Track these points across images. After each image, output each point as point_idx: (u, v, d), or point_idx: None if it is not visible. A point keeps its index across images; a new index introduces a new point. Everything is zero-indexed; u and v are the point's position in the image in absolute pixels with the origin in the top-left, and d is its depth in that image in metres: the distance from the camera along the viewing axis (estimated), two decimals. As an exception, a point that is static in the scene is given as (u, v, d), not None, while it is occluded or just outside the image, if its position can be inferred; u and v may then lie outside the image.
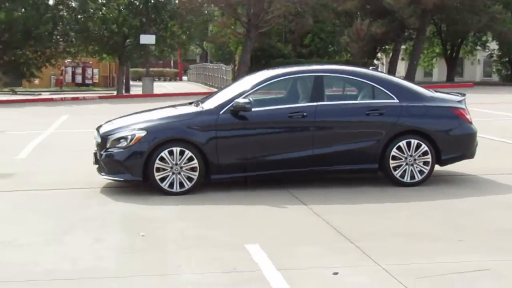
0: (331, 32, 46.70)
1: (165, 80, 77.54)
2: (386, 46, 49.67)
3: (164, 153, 10.32)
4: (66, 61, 56.39)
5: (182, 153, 10.35)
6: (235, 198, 10.13)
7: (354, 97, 11.27)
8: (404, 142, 10.73)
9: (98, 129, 11.18)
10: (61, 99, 38.18)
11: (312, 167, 10.78)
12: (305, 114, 10.62)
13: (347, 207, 9.57)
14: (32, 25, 36.73)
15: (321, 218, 8.89)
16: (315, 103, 10.75)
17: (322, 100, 10.82)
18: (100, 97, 39.25)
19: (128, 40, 41.24)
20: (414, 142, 10.74)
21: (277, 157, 10.65)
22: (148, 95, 38.47)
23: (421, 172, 10.81)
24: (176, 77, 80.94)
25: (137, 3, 41.50)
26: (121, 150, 10.43)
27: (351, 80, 11.27)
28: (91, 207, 9.70)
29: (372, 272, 6.65)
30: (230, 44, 46.67)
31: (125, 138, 10.46)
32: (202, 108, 10.89)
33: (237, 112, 10.51)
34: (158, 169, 10.35)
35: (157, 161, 10.31)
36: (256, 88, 10.92)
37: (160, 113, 11.17)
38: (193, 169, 10.39)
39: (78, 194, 10.61)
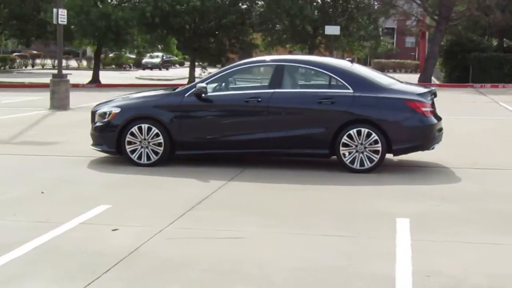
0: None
1: (404, 72, 77.05)
2: None
3: (134, 129, 11.79)
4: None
5: (150, 129, 11.74)
6: (184, 172, 11.35)
7: (312, 86, 12.04)
8: (354, 130, 11.33)
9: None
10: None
11: (265, 149, 11.72)
12: (259, 99, 11.58)
13: (266, 185, 10.41)
14: (222, 15, 39.38)
15: (215, 191, 9.92)
16: (271, 90, 11.67)
17: (280, 88, 11.68)
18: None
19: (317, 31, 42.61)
20: (365, 131, 11.30)
21: (234, 138, 11.74)
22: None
23: (371, 160, 11.34)
24: (417, 69, 79.40)
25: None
26: (102, 124, 12.06)
27: (310, 70, 12.06)
28: (56, 170, 11.47)
29: (141, 232, 7.65)
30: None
31: (105, 113, 12.06)
32: (174, 90, 12.22)
33: (200, 95, 11.71)
34: (129, 143, 11.85)
35: (128, 135, 11.82)
36: (220, 74, 12.09)
37: (141, 94, 12.67)
38: (159, 145, 11.78)
39: (69, 160, 12.39)
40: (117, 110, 11.90)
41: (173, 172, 11.25)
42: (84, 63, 77.12)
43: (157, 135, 11.70)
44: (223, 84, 12.08)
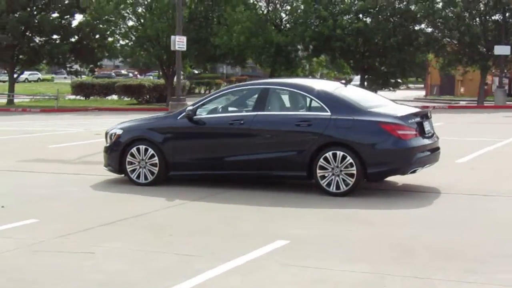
0: None
1: None
2: None
3: (133, 150, 12.53)
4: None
5: (146, 150, 12.45)
6: (165, 191, 11.87)
7: (293, 109, 12.11)
8: (330, 153, 11.33)
9: (114, 127, 13.79)
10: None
11: (248, 170, 12.00)
12: (242, 122, 11.92)
13: (218, 206, 10.74)
14: (387, 36, 39.27)
15: (158, 211, 10.46)
16: (254, 113, 11.97)
17: (262, 110, 11.94)
18: (450, 107, 40.10)
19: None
20: (340, 153, 11.27)
21: (220, 160, 12.14)
22: (497, 106, 38.22)
23: (346, 183, 11.29)
24: None
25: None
26: (108, 145, 12.96)
27: (292, 93, 12.15)
28: (58, 188, 12.38)
29: (16, 242, 8.38)
30: None
31: (112, 135, 12.94)
32: (169, 113, 12.85)
33: (190, 117, 12.26)
34: (130, 163, 12.61)
35: (128, 156, 12.59)
36: (209, 98, 12.57)
37: (144, 117, 13.41)
38: (155, 165, 12.43)
39: (87, 179, 13.24)
40: (120, 132, 12.68)
41: (155, 190, 11.80)
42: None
43: (152, 156, 12.30)
44: (213, 107, 12.45)
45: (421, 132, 11.55)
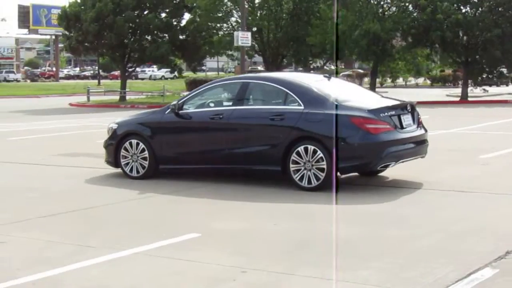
0: None
1: None
2: None
3: (126, 144, 12.82)
4: None
5: (138, 144, 12.72)
6: (149, 184, 12.05)
7: (270, 103, 12.00)
8: (302, 147, 11.22)
9: (118, 122, 14.08)
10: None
11: (227, 165, 12.03)
12: (221, 116, 11.98)
13: (182, 199, 10.93)
14: (486, 28, 37.93)
15: (119, 202, 10.71)
16: (233, 107, 12.01)
17: (241, 105, 11.97)
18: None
19: None
20: (311, 148, 11.13)
21: (201, 153, 12.26)
22: None
23: (317, 178, 11.15)
24: None
25: None
26: (106, 139, 13.34)
27: (270, 87, 12.04)
28: (57, 179, 12.95)
29: None
30: None
31: (109, 129, 13.32)
32: (160, 108, 13.07)
33: (176, 112, 12.45)
34: (123, 157, 12.90)
35: (122, 150, 12.91)
36: (194, 93, 12.65)
37: (140, 112, 13.64)
38: (145, 159, 12.69)
39: (93, 172, 13.62)
40: (115, 126, 12.98)
41: (140, 183, 12.05)
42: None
43: (143, 150, 12.53)
44: (199, 101, 12.53)
45: (399, 125, 11.18)
